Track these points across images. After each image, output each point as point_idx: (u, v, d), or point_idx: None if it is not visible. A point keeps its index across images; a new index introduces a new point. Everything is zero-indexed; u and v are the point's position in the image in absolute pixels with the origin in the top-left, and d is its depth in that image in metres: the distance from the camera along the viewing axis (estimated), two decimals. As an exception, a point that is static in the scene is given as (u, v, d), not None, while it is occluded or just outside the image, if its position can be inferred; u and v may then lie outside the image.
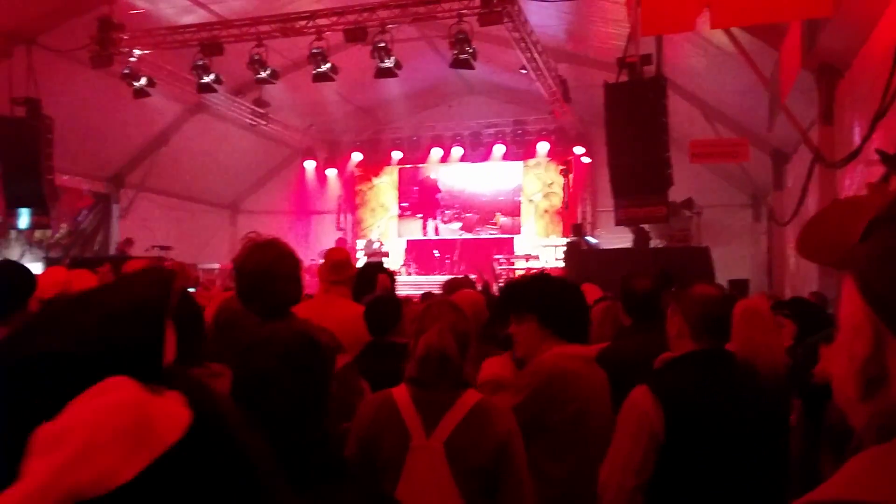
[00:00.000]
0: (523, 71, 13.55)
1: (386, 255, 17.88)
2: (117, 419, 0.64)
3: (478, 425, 2.31)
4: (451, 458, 2.27)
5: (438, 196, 20.06)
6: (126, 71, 12.90)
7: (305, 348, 1.61)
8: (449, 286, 5.13)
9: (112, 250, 16.40)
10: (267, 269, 2.72)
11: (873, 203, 0.78)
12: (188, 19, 12.94)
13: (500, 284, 13.74)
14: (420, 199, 20.24)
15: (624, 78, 9.69)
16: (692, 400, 2.42)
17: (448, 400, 2.34)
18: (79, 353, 0.68)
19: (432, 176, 20.09)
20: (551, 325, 2.89)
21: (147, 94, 13.40)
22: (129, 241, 15.33)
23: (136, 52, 12.95)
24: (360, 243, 19.93)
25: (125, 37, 12.50)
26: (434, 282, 14.91)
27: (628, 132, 9.54)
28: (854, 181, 7.99)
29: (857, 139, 7.66)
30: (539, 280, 3.24)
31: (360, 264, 15.32)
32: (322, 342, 1.65)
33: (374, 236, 19.06)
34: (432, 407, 2.31)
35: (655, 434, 2.36)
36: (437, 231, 20.07)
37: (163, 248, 15.49)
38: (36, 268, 3.50)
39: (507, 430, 2.37)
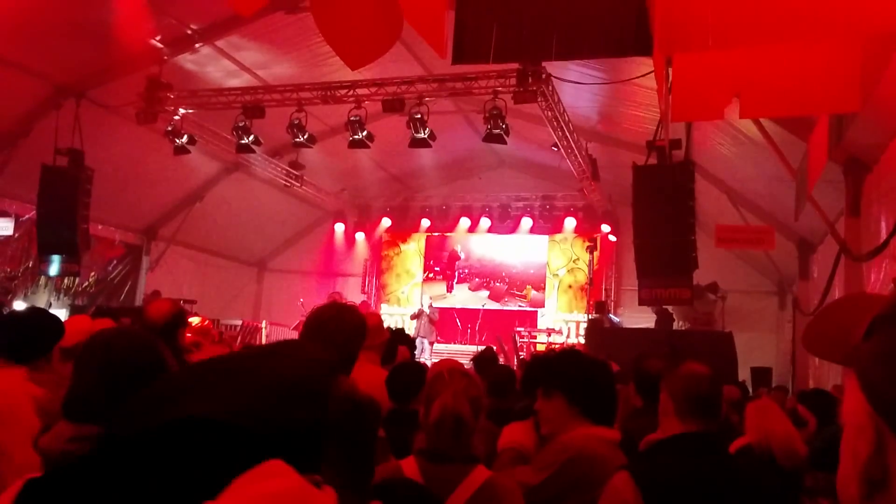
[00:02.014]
0: (554, 148, 13.76)
1: (431, 319, 17.40)
2: None
3: None
4: None
5: (457, 263, 20.18)
6: (169, 128, 13.28)
7: (356, 409, 1.63)
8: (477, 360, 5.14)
9: (138, 301, 16.57)
10: (318, 325, 2.79)
11: (878, 300, 0.79)
12: (233, 83, 13.35)
13: (521, 357, 13.68)
14: (447, 264, 20.38)
15: (653, 160, 9.78)
16: (675, 491, 2.27)
17: (457, 476, 2.26)
18: (248, 427, 0.63)
19: (457, 247, 20.20)
20: (580, 403, 2.78)
21: (187, 152, 13.74)
22: (155, 294, 15.46)
23: (181, 110, 13.36)
24: (385, 307, 19.95)
25: (171, 96, 12.92)
26: (455, 350, 14.84)
27: (655, 213, 9.57)
28: (880, 275, 7.96)
29: (883, 233, 7.67)
30: (570, 356, 3.09)
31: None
32: (368, 405, 1.67)
33: (425, 302, 18.40)
34: (441, 483, 2.22)
35: None
36: (451, 289, 20.04)
37: (187, 301, 15.64)
38: (61, 315, 3.58)
39: None
